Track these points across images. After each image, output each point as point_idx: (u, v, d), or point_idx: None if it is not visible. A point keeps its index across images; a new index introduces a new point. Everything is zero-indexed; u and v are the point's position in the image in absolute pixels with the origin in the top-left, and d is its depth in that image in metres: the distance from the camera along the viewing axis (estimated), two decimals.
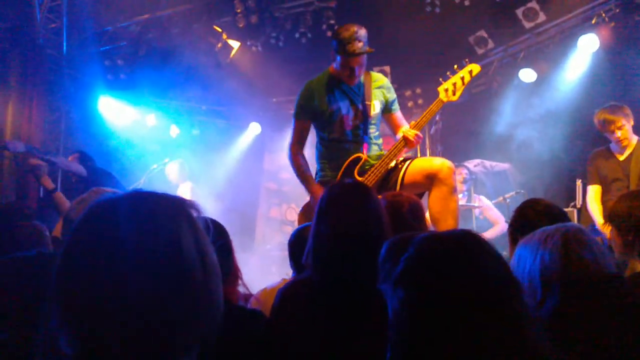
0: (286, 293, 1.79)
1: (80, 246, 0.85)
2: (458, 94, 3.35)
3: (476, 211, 5.68)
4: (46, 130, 6.23)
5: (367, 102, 3.36)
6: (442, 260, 0.97)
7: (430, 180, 3.14)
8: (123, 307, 0.80)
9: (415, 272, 0.97)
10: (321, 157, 3.49)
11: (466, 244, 0.99)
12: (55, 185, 3.92)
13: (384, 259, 1.32)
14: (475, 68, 3.42)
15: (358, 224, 1.74)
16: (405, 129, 3.31)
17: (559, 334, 1.33)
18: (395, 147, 3.24)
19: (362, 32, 3.17)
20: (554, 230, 1.49)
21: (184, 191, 5.97)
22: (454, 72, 3.42)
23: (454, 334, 0.90)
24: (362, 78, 3.38)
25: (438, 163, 3.17)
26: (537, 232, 1.55)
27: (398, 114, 3.52)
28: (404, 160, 3.32)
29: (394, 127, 3.52)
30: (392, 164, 3.27)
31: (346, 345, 1.59)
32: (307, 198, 3.48)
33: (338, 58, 3.24)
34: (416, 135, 3.22)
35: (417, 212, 2.33)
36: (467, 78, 3.37)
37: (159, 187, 0.96)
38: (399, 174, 3.25)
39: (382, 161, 3.25)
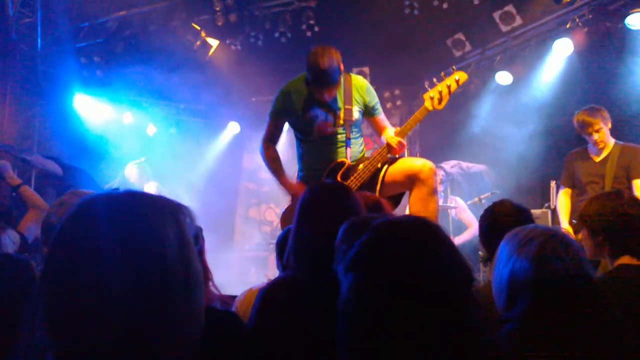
0: (267, 293, 1.79)
1: (63, 249, 0.85)
2: (444, 102, 3.29)
3: (452, 212, 5.76)
4: (20, 128, 6.10)
5: (347, 107, 3.33)
6: (395, 249, 0.95)
7: (411, 180, 3.15)
8: (104, 311, 0.80)
9: (366, 259, 0.97)
10: (302, 158, 3.50)
11: (420, 232, 0.98)
12: (21, 181, 3.78)
13: (341, 240, 1.32)
14: (462, 76, 3.35)
15: (339, 223, 1.76)
16: (389, 135, 3.27)
17: (526, 336, 1.34)
18: (379, 154, 3.25)
19: (332, 66, 3.07)
20: (536, 236, 1.48)
21: (149, 191, 5.86)
22: (440, 80, 3.36)
23: (401, 322, 0.89)
24: (342, 82, 3.34)
25: (419, 164, 3.17)
26: (525, 230, 1.53)
27: (381, 116, 3.50)
28: (386, 161, 3.32)
29: (377, 130, 3.52)
30: (378, 166, 3.26)
31: (330, 345, 1.59)
32: (289, 198, 3.49)
33: (309, 78, 3.20)
34: (399, 142, 3.20)
35: (374, 211, 2.34)
36: (454, 86, 3.31)
37: (134, 187, 0.95)
38: (380, 173, 3.25)
39: (366, 167, 3.24)
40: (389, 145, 3.22)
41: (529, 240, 1.47)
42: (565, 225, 4.12)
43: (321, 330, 1.60)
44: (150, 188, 5.89)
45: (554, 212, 4.59)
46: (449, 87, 3.30)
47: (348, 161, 3.32)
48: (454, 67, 3.43)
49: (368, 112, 3.46)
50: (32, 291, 0.85)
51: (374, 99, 3.46)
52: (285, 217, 3.44)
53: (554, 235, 1.49)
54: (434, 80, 3.41)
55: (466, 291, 0.96)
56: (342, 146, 3.36)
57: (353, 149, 3.39)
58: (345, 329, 0.95)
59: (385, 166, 3.28)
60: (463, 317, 0.93)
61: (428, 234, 0.99)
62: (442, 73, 3.42)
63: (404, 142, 3.24)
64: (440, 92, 3.30)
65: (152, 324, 0.82)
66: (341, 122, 3.34)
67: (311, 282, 1.71)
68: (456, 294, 0.94)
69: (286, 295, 1.75)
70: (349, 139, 3.36)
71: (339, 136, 3.36)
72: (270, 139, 3.51)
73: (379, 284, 0.93)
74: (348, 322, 0.95)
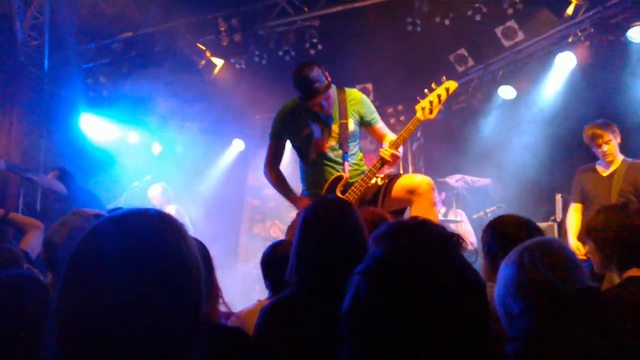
0: (269, 312, 1.78)
1: (76, 278, 0.84)
2: (435, 112, 3.34)
3: (453, 226, 5.75)
4: (26, 148, 6.15)
5: (342, 121, 3.39)
6: (405, 272, 0.92)
7: (411, 195, 3.21)
8: (116, 335, 0.79)
9: (375, 279, 0.95)
10: (304, 179, 3.55)
11: (438, 252, 0.96)
12: (4, 211, 3.73)
13: (373, 240, 1.30)
14: (452, 85, 3.39)
15: (342, 238, 1.76)
16: (382, 149, 3.30)
17: (530, 351, 1.32)
18: (374, 166, 3.27)
19: (314, 74, 3.19)
20: (517, 249, 1.48)
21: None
22: (431, 90, 3.41)
23: (409, 330, 0.87)
24: (335, 96, 3.40)
25: (418, 179, 3.25)
26: (515, 249, 1.53)
27: (379, 124, 3.53)
28: (387, 177, 3.35)
29: (378, 138, 3.55)
30: (373, 181, 3.28)
31: None
32: (293, 214, 3.51)
33: (300, 94, 3.30)
34: (392, 154, 3.22)
35: (379, 226, 2.32)
36: (444, 95, 3.35)
37: (140, 205, 0.96)
38: (382, 191, 3.29)
39: (362, 180, 3.27)
40: (382, 158, 3.24)
41: (511, 255, 1.48)
42: (572, 241, 4.09)
43: (324, 347, 1.59)
44: (170, 210, 5.95)
45: (560, 225, 4.57)
46: (439, 96, 3.36)
47: (346, 175, 3.36)
48: (444, 77, 3.47)
49: (365, 122, 3.50)
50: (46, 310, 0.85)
51: (369, 108, 3.50)
52: (290, 232, 3.46)
53: (535, 243, 1.49)
54: (425, 91, 3.41)
55: (481, 303, 0.93)
56: (340, 162, 3.40)
57: (351, 164, 3.43)
58: (352, 326, 0.94)
59: (388, 182, 3.31)
60: (477, 328, 0.90)
61: (443, 243, 0.97)
62: (433, 83, 3.44)
63: (398, 153, 3.24)
64: (431, 102, 3.35)
65: (163, 345, 0.82)
66: (337, 137, 3.39)
67: (314, 298, 1.70)
68: (470, 304, 0.92)
69: (289, 313, 1.74)
70: (346, 153, 3.40)
71: (336, 153, 3.41)
72: (272, 161, 3.58)
73: (391, 290, 0.91)
74: (354, 327, 0.94)
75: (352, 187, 3.29)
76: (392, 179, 3.34)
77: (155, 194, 6.15)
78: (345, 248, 1.72)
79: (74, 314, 0.81)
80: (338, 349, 1.58)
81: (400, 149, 3.29)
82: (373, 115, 3.51)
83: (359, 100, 3.47)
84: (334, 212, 1.84)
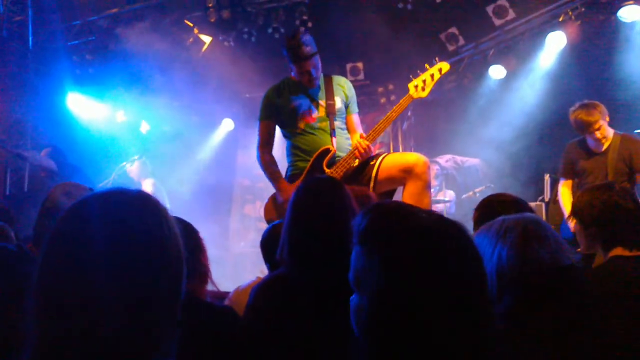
0: (261, 290, 1.80)
1: (61, 248, 0.84)
2: (427, 90, 3.42)
3: (442, 205, 5.80)
4: (12, 127, 6.06)
5: (329, 102, 3.43)
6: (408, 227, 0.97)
7: (406, 175, 3.18)
8: (96, 310, 0.80)
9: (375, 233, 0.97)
10: (290, 150, 3.53)
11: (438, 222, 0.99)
12: None
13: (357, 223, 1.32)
14: (445, 66, 3.49)
15: (330, 218, 1.77)
16: (359, 139, 3.30)
17: (514, 330, 1.34)
18: (352, 153, 3.30)
19: (307, 37, 3.27)
20: (513, 223, 1.47)
21: (146, 188, 5.93)
22: (424, 70, 3.48)
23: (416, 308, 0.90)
24: (322, 80, 3.46)
25: (413, 158, 3.22)
26: (497, 222, 1.52)
27: (355, 117, 3.58)
28: (377, 156, 3.34)
29: (348, 128, 3.58)
30: (355, 162, 3.30)
31: (324, 340, 1.59)
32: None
33: (292, 66, 3.34)
34: (367, 146, 3.22)
35: (363, 206, 2.33)
36: (437, 75, 3.45)
37: (128, 185, 0.96)
38: (373, 170, 3.28)
39: (348, 156, 3.30)
40: (357, 146, 3.25)
41: (507, 229, 1.47)
42: (569, 221, 4.05)
43: (314, 325, 1.61)
44: (147, 184, 5.96)
45: (548, 205, 4.60)
46: (432, 76, 3.44)
47: (334, 148, 3.37)
48: (436, 58, 3.55)
49: (345, 106, 3.53)
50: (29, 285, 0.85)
51: (353, 96, 3.57)
52: (267, 211, 3.58)
53: (530, 221, 1.49)
54: (418, 71, 3.50)
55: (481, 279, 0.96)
56: (328, 134, 3.42)
57: (339, 139, 3.43)
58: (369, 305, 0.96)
59: (379, 160, 3.30)
60: (477, 290, 0.93)
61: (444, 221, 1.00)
62: (427, 64, 3.52)
63: (370, 148, 3.26)
64: (424, 81, 3.43)
65: (144, 323, 0.83)
66: (325, 111, 3.42)
67: (304, 277, 1.72)
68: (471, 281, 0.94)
69: (279, 291, 1.76)
70: (334, 129, 3.42)
71: (324, 124, 3.42)
72: (264, 144, 3.57)
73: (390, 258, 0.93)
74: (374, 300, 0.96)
75: (339, 162, 3.31)
76: (382, 157, 3.33)
77: (134, 169, 6.15)
78: (336, 228, 1.73)
79: (52, 288, 0.82)
80: (326, 327, 1.60)
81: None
82: (354, 105, 3.58)
83: (345, 83, 3.55)
84: (325, 191, 1.85)
